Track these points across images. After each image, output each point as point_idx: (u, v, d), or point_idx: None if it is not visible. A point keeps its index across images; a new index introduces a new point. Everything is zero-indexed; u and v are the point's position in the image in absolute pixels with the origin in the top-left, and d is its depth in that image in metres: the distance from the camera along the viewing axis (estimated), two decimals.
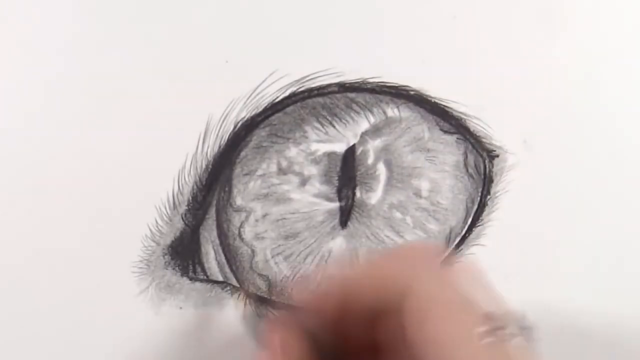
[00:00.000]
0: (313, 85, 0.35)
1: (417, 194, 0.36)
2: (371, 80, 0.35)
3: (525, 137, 0.36)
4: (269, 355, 0.27)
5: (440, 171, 0.36)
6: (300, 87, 0.35)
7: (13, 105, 0.35)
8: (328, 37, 0.35)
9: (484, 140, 0.36)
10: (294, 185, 0.36)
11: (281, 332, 0.27)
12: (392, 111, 0.36)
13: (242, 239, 0.36)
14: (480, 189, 0.36)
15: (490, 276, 0.36)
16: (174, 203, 0.35)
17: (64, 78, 0.35)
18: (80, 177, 0.35)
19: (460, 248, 0.36)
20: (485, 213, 0.36)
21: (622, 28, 0.36)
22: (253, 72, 0.35)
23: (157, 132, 0.35)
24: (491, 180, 0.36)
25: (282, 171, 0.36)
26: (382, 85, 0.35)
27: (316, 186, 0.36)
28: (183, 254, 0.35)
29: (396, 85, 0.35)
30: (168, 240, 0.35)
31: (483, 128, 0.36)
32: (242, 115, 0.35)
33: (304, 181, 0.36)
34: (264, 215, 0.36)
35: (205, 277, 0.36)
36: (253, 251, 0.36)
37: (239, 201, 0.36)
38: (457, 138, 0.36)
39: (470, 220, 0.36)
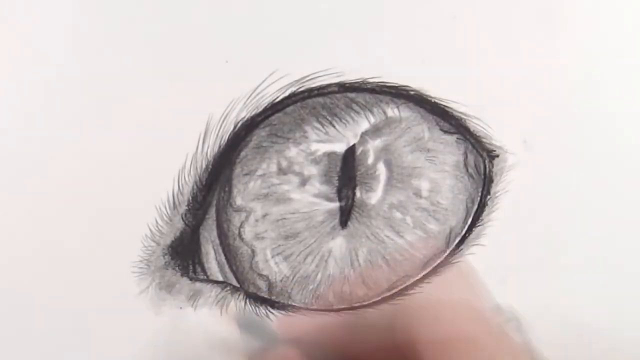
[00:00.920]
0: (313, 85, 0.35)
1: (417, 194, 0.36)
2: (371, 80, 0.35)
3: (525, 137, 0.36)
4: None
5: (440, 171, 0.36)
6: (300, 87, 0.35)
7: (13, 105, 0.35)
8: (328, 37, 0.35)
9: (484, 140, 0.36)
10: (294, 185, 0.36)
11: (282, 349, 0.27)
12: (392, 111, 0.36)
13: (242, 239, 0.36)
14: (480, 189, 0.36)
15: (490, 276, 0.36)
16: (174, 203, 0.35)
17: (63, 78, 0.35)
18: (79, 177, 0.35)
19: (460, 248, 0.36)
20: (485, 213, 0.36)
21: (622, 28, 0.36)
22: (253, 72, 0.35)
23: (157, 132, 0.35)
24: (491, 180, 0.36)
25: (282, 171, 0.36)
26: (382, 85, 0.35)
27: (316, 186, 0.36)
28: (183, 254, 0.35)
29: (396, 85, 0.35)
30: (168, 240, 0.35)
31: (483, 128, 0.36)
32: (242, 115, 0.35)
33: (304, 181, 0.36)
34: (264, 215, 0.36)
35: (205, 277, 0.36)
36: (253, 251, 0.36)
37: (239, 201, 0.36)
38: (457, 138, 0.36)
39: (470, 220, 0.36)
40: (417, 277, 0.36)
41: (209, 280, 0.36)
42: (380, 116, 0.36)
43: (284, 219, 0.36)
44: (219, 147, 0.35)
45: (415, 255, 0.36)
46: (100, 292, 0.35)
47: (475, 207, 0.36)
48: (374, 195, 0.36)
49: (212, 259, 0.36)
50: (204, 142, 0.35)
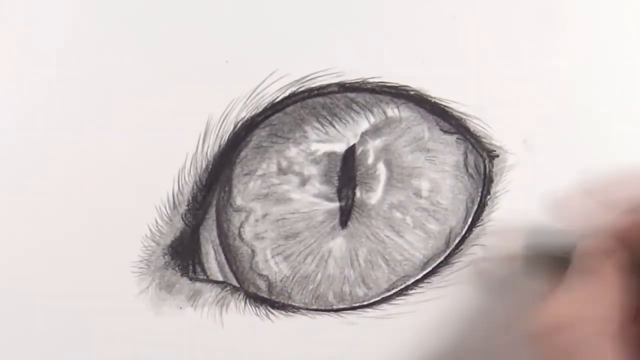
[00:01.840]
0: (313, 85, 0.35)
1: (417, 194, 0.36)
2: (371, 80, 0.35)
3: (525, 137, 0.36)
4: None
5: (440, 171, 0.36)
6: (300, 87, 0.35)
7: (12, 105, 0.35)
8: (328, 37, 0.35)
9: (484, 140, 0.36)
10: (294, 185, 0.36)
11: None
12: (392, 111, 0.36)
13: (242, 239, 0.36)
14: (480, 189, 0.36)
15: (490, 276, 0.36)
16: (174, 203, 0.35)
17: (63, 78, 0.35)
18: (80, 177, 0.35)
19: (460, 248, 0.36)
20: (485, 213, 0.36)
21: (622, 28, 0.36)
22: (253, 72, 0.35)
23: (157, 132, 0.35)
24: (491, 180, 0.36)
25: (282, 171, 0.36)
26: (382, 85, 0.35)
27: (316, 186, 0.36)
28: (183, 254, 0.35)
29: (396, 85, 0.35)
30: (168, 240, 0.35)
31: (483, 128, 0.36)
32: (242, 115, 0.35)
33: (304, 181, 0.36)
34: (264, 215, 0.36)
35: (205, 277, 0.36)
36: (253, 251, 0.36)
37: (239, 201, 0.36)
38: (457, 138, 0.36)
39: (470, 220, 0.36)
40: (417, 277, 0.36)
41: (209, 280, 0.36)
42: (380, 116, 0.36)
43: (284, 219, 0.36)
44: (219, 147, 0.35)
45: (415, 255, 0.36)
46: (100, 292, 0.35)
47: (475, 207, 0.36)
48: (374, 195, 0.36)
49: (212, 259, 0.36)
50: (204, 142, 0.35)
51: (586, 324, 0.27)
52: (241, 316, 0.36)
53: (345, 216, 0.36)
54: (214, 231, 0.36)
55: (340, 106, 0.36)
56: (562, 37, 0.36)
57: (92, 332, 0.36)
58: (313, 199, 0.36)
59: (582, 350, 0.27)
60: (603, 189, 0.32)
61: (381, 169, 0.36)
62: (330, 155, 0.36)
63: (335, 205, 0.36)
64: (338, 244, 0.36)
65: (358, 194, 0.36)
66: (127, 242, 0.35)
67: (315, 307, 0.36)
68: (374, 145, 0.36)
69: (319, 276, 0.36)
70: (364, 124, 0.36)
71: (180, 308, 0.36)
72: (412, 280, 0.36)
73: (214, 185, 0.35)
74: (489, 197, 0.36)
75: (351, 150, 0.36)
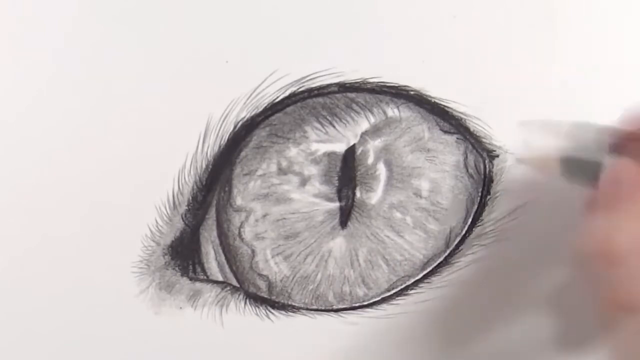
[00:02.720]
0: (313, 85, 0.35)
1: (417, 194, 0.36)
2: (371, 80, 0.35)
3: (525, 137, 0.36)
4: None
5: (440, 171, 0.36)
6: (300, 87, 0.35)
7: (12, 105, 0.35)
8: (328, 37, 0.35)
9: (484, 140, 0.36)
10: (294, 185, 0.36)
11: None
12: (392, 111, 0.36)
13: (242, 239, 0.36)
14: (480, 189, 0.36)
15: (491, 276, 0.36)
16: (174, 203, 0.35)
17: (63, 78, 0.35)
18: (79, 177, 0.35)
19: (460, 248, 0.36)
20: (485, 213, 0.36)
21: (622, 28, 0.36)
22: (253, 72, 0.35)
23: (157, 132, 0.35)
24: (491, 180, 0.36)
25: (282, 171, 0.36)
26: (382, 85, 0.35)
27: (316, 186, 0.36)
28: (183, 254, 0.35)
29: (396, 85, 0.35)
30: (168, 240, 0.35)
31: (483, 128, 0.36)
32: (242, 115, 0.35)
33: (304, 181, 0.36)
34: (264, 215, 0.36)
35: (205, 277, 0.36)
36: (253, 251, 0.36)
37: (239, 201, 0.36)
38: (457, 138, 0.36)
39: (470, 220, 0.36)
40: (417, 277, 0.36)
41: (209, 280, 0.36)
42: (380, 116, 0.36)
43: (284, 219, 0.36)
44: (219, 147, 0.35)
45: (415, 255, 0.36)
46: (100, 292, 0.35)
47: (475, 207, 0.36)
48: (374, 195, 0.36)
49: (212, 259, 0.36)
50: (204, 142, 0.35)
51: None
52: (241, 316, 0.36)
53: (345, 216, 0.36)
54: (214, 231, 0.36)
55: (340, 106, 0.36)
56: (562, 37, 0.36)
57: (92, 332, 0.36)
58: (313, 199, 0.36)
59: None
60: None
61: (381, 169, 0.36)
62: (330, 155, 0.36)
63: (335, 205, 0.36)
64: (338, 244, 0.36)
65: (358, 194, 0.36)
66: (127, 242, 0.35)
67: (315, 307, 0.36)
68: (374, 145, 0.36)
69: (319, 276, 0.36)
70: (364, 124, 0.36)
71: (180, 308, 0.36)
72: (412, 280, 0.36)
73: (214, 185, 0.35)
74: (489, 197, 0.36)
75: (351, 150, 0.36)
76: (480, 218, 0.36)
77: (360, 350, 0.36)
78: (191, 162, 0.35)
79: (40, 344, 0.36)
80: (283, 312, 0.36)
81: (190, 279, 0.36)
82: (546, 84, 0.36)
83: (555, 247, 0.36)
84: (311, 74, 0.35)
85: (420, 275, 0.36)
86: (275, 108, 0.35)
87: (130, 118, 0.35)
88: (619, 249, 0.27)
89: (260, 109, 0.35)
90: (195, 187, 0.35)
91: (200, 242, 0.36)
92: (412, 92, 0.35)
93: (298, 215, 0.36)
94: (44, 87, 0.35)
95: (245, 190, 0.36)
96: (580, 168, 0.32)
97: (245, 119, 0.35)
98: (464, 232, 0.36)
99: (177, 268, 0.35)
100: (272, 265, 0.36)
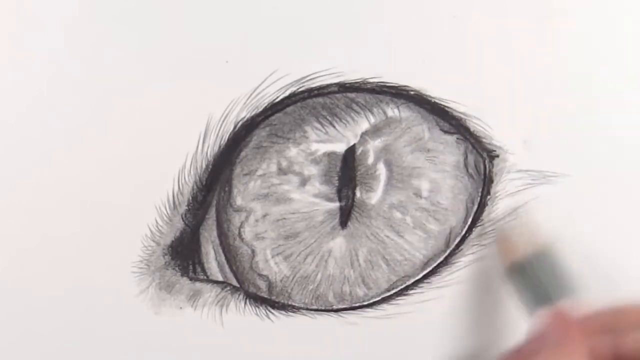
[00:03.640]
0: (313, 85, 0.35)
1: (417, 194, 0.36)
2: (371, 80, 0.35)
3: (525, 137, 0.36)
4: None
5: (440, 171, 0.36)
6: (300, 87, 0.35)
7: (12, 105, 0.35)
8: (328, 37, 0.35)
9: (484, 140, 0.36)
10: (294, 185, 0.36)
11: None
12: (392, 111, 0.36)
13: (242, 239, 0.36)
14: (480, 189, 0.36)
15: (491, 277, 0.36)
16: (174, 203, 0.35)
17: (63, 78, 0.35)
18: (79, 177, 0.35)
19: (460, 248, 0.36)
20: (485, 213, 0.36)
21: (622, 28, 0.36)
22: (253, 72, 0.35)
23: (157, 132, 0.35)
24: (491, 180, 0.36)
25: (282, 171, 0.36)
26: (382, 85, 0.35)
27: (316, 186, 0.36)
28: (183, 254, 0.35)
29: (396, 85, 0.35)
30: (168, 240, 0.35)
31: (483, 128, 0.36)
32: (242, 115, 0.35)
33: (304, 181, 0.36)
34: (264, 215, 0.36)
35: (205, 277, 0.36)
36: (253, 251, 0.36)
37: (239, 201, 0.36)
38: (457, 138, 0.36)
39: (470, 220, 0.36)
40: (417, 277, 0.36)
41: (209, 280, 0.36)
42: (380, 116, 0.36)
43: (284, 219, 0.36)
44: (219, 147, 0.35)
45: (415, 255, 0.36)
46: (100, 292, 0.35)
47: (475, 207, 0.36)
48: (374, 195, 0.36)
49: (212, 259, 0.36)
50: (204, 142, 0.35)
51: None
52: (241, 316, 0.36)
53: (345, 216, 0.36)
54: (214, 231, 0.36)
55: (340, 106, 0.36)
56: (562, 37, 0.36)
57: (92, 332, 0.36)
58: (313, 199, 0.36)
59: None
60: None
61: (381, 169, 0.36)
62: (330, 155, 0.36)
63: (335, 205, 0.36)
64: (338, 244, 0.36)
65: (358, 194, 0.36)
66: (127, 242, 0.35)
67: (315, 307, 0.36)
68: (374, 145, 0.36)
69: (319, 276, 0.36)
70: (364, 124, 0.36)
71: (180, 308, 0.36)
72: (412, 280, 0.36)
73: (214, 185, 0.35)
74: (489, 197, 0.36)
75: (351, 150, 0.36)
76: (480, 218, 0.36)
77: (360, 350, 0.36)
78: (191, 162, 0.35)
79: (40, 344, 0.36)
80: (283, 312, 0.36)
81: (190, 279, 0.36)
82: (546, 84, 0.36)
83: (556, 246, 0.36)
84: (311, 74, 0.35)
85: (420, 275, 0.36)
86: (275, 108, 0.35)
87: (130, 118, 0.35)
88: None
89: (260, 109, 0.35)
90: (195, 187, 0.35)
91: (200, 242, 0.36)
92: (412, 92, 0.35)
93: (298, 215, 0.36)
94: (44, 87, 0.35)
95: (245, 190, 0.36)
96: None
97: (245, 119, 0.35)
98: (464, 232, 0.36)
99: (177, 268, 0.35)
100: (272, 265, 0.36)
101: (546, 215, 0.36)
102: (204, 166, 0.35)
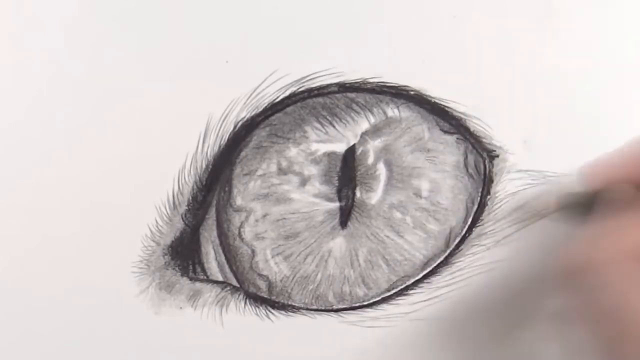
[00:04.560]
0: (313, 85, 0.35)
1: (417, 194, 0.36)
2: (371, 80, 0.35)
3: (525, 137, 0.36)
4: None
5: (440, 171, 0.36)
6: (300, 87, 0.35)
7: (12, 105, 0.35)
8: (328, 37, 0.35)
9: (484, 140, 0.36)
10: (294, 185, 0.36)
11: None
12: (392, 111, 0.36)
13: (242, 239, 0.36)
14: (480, 189, 0.36)
15: (491, 276, 0.36)
16: (174, 203, 0.35)
17: (62, 78, 0.35)
18: (79, 177, 0.35)
19: (460, 248, 0.36)
20: (485, 213, 0.36)
21: (622, 28, 0.36)
22: (253, 72, 0.35)
23: (157, 132, 0.35)
24: (491, 180, 0.36)
25: (282, 171, 0.36)
26: (382, 85, 0.35)
27: (316, 186, 0.36)
28: (183, 254, 0.35)
29: (396, 85, 0.35)
30: (168, 240, 0.35)
31: (483, 128, 0.36)
32: (242, 115, 0.35)
33: (304, 181, 0.36)
34: (264, 215, 0.36)
35: (205, 277, 0.36)
36: (253, 251, 0.36)
37: (239, 201, 0.36)
38: (457, 138, 0.36)
39: (470, 220, 0.36)
40: (417, 277, 0.36)
41: (209, 280, 0.36)
42: (380, 116, 0.36)
43: (284, 219, 0.36)
44: (219, 147, 0.35)
45: (415, 255, 0.36)
46: (100, 292, 0.35)
47: (475, 207, 0.36)
48: (374, 195, 0.36)
49: (212, 259, 0.36)
50: (204, 142, 0.35)
51: (623, 256, 0.26)
52: (241, 316, 0.36)
53: (345, 216, 0.36)
54: (214, 231, 0.36)
55: (340, 106, 0.36)
56: (562, 37, 0.36)
57: (92, 332, 0.36)
58: (313, 199, 0.36)
59: (622, 281, 0.25)
60: None
61: (381, 169, 0.36)
62: (330, 155, 0.36)
63: (335, 205, 0.36)
64: (338, 244, 0.36)
65: (358, 194, 0.36)
66: (127, 242, 0.35)
67: (315, 307, 0.36)
68: (374, 145, 0.36)
69: (319, 276, 0.36)
70: (364, 124, 0.36)
71: (180, 308, 0.36)
72: (412, 280, 0.36)
73: (214, 185, 0.35)
74: (489, 197, 0.36)
75: (351, 150, 0.36)
76: (480, 218, 0.36)
77: (360, 350, 0.36)
78: (191, 162, 0.35)
79: (40, 344, 0.36)
80: (283, 312, 0.36)
81: (190, 279, 0.36)
82: (546, 84, 0.36)
83: (556, 247, 0.36)
84: (311, 74, 0.35)
85: (420, 275, 0.36)
86: (275, 108, 0.35)
87: (130, 118, 0.35)
88: (602, 255, 0.26)
89: (260, 109, 0.35)
90: (195, 187, 0.35)
91: (200, 242, 0.36)
92: (412, 92, 0.35)
93: (298, 215, 0.36)
94: (44, 87, 0.35)
95: (245, 190, 0.36)
96: (575, 203, 0.33)
97: (245, 119, 0.35)
98: (464, 232, 0.36)
99: (177, 268, 0.35)
100: (272, 265, 0.36)
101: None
102: (204, 166, 0.35)
